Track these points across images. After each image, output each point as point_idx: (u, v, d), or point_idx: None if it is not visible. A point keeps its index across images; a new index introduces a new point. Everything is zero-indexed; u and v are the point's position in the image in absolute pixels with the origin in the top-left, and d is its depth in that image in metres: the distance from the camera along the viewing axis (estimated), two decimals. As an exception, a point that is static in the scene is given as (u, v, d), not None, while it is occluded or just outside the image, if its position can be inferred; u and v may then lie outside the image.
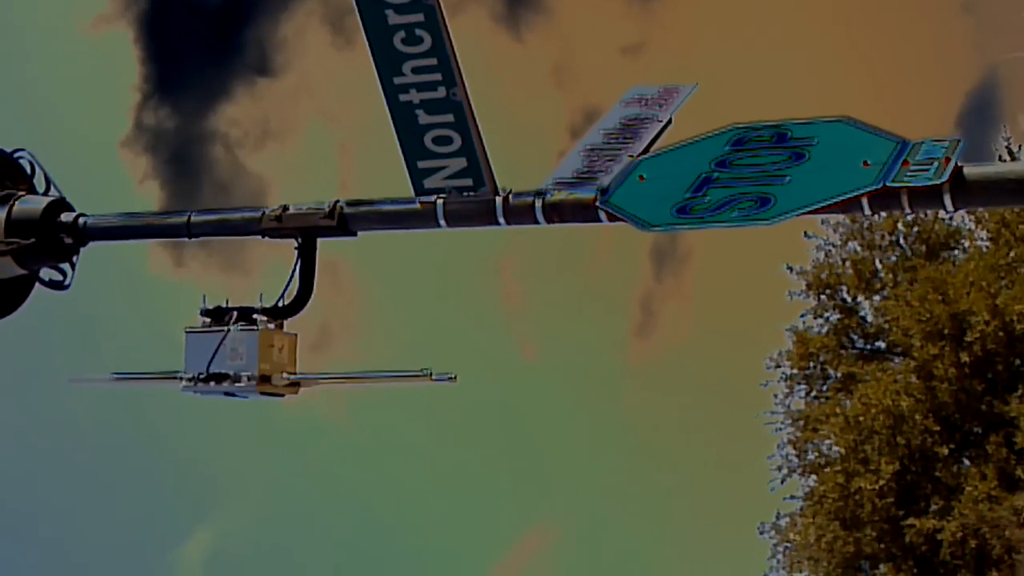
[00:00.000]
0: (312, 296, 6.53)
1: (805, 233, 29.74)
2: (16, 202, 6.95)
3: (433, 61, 5.85)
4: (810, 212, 5.62)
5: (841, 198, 5.55)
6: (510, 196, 6.13)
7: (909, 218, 28.87)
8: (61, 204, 7.02)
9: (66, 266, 7.06)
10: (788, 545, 29.46)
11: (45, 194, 7.10)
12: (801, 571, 29.33)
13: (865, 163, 5.60)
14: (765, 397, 30.21)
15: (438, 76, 5.87)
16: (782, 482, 29.68)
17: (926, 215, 28.52)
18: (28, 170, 7.14)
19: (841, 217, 27.62)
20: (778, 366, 30.32)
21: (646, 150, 6.50)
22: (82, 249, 7.01)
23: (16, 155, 7.13)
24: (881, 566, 28.48)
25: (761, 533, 29.81)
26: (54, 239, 6.92)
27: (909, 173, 5.49)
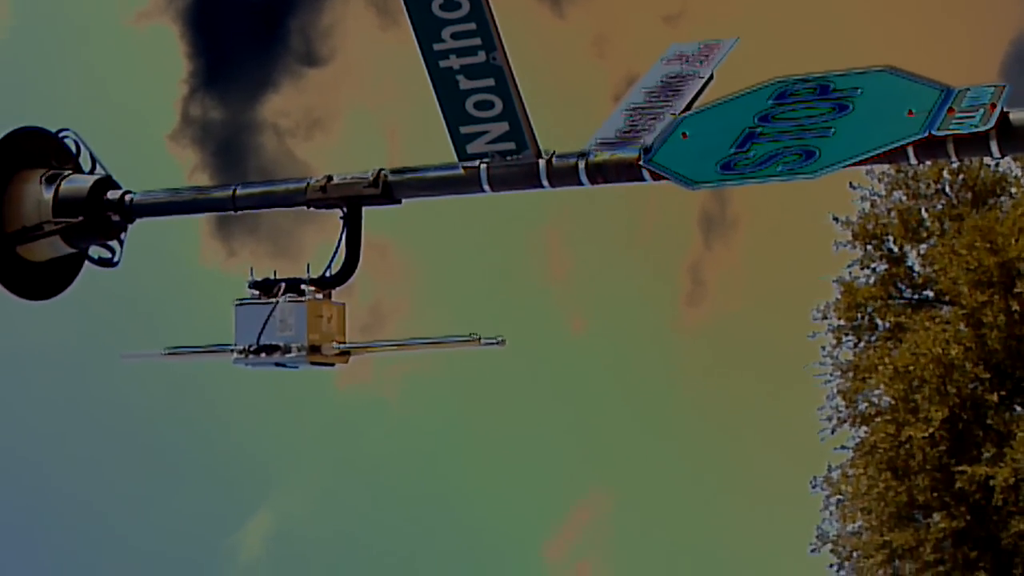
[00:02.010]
0: (359, 265, 6.52)
1: (850, 184, 29.51)
2: (63, 181, 6.98)
3: (472, 26, 5.82)
4: (855, 164, 5.58)
5: (886, 148, 5.51)
6: (553, 158, 6.11)
7: (955, 166, 28.62)
8: (107, 182, 7.04)
9: (114, 243, 7.09)
10: (840, 497, 29.38)
11: (91, 173, 7.13)
12: (854, 521, 29.26)
13: (910, 112, 5.55)
14: (813, 349, 30.07)
15: (477, 41, 5.84)
16: (832, 432, 29.54)
17: (972, 162, 28.27)
18: (74, 150, 7.17)
19: (886, 167, 27.38)
20: (825, 317, 30.12)
21: (688, 107, 6.46)
22: (129, 226, 7.03)
23: (61, 135, 7.16)
24: (934, 515, 28.34)
25: (813, 487, 29.73)
26: (101, 217, 6.95)
27: (955, 121, 5.44)
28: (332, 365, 6.51)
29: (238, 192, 6.77)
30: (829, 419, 29.67)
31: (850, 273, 30.21)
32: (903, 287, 30.40)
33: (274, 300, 6.44)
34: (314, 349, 6.40)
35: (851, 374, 29.51)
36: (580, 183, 6.10)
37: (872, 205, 29.98)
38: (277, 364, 6.45)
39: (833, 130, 5.71)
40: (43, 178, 6.97)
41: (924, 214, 30.14)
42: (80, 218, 6.90)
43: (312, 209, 6.59)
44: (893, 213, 29.89)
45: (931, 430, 27.18)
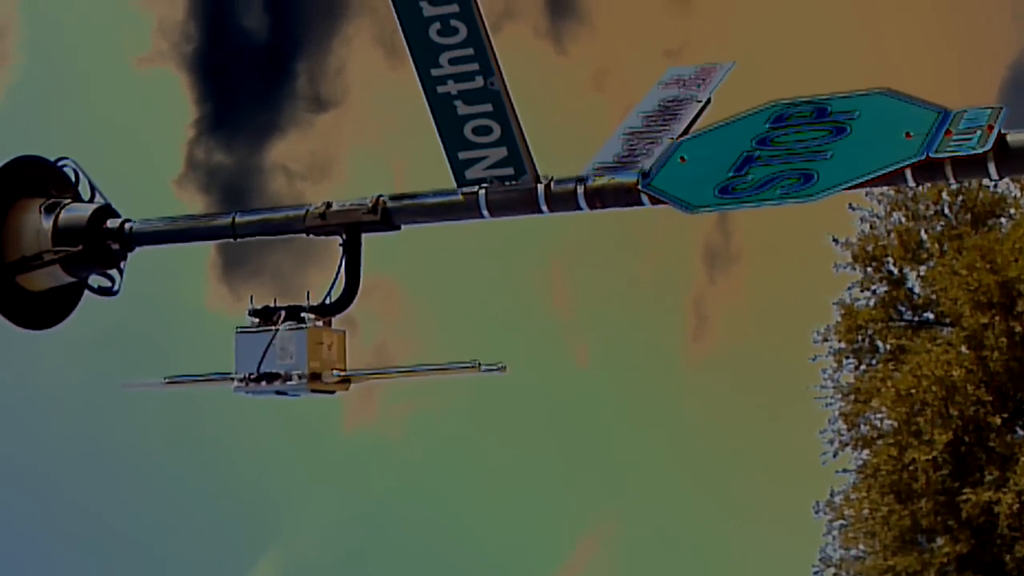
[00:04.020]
0: (359, 292, 6.55)
1: (850, 205, 29.56)
2: (62, 210, 7.00)
3: (470, 51, 5.85)
4: (854, 186, 5.60)
5: (885, 171, 5.53)
6: (552, 183, 6.13)
7: (954, 187, 28.67)
8: (107, 211, 7.07)
9: (114, 272, 7.11)
10: (843, 522, 29.34)
11: (90, 201, 7.16)
12: (858, 546, 29.22)
13: (907, 134, 5.58)
14: (815, 372, 30.07)
15: (475, 66, 5.87)
16: (834, 455, 29.54)
17: (971, 184, 28.30)
18: (72, 178, 7.20)
19: (885, 188, 27.45)
20: (825, 340, 30.16)
21: (686, 131, 6.49)
22: (129, 254, 7.05)
23: (60, 164, 7.19)
24: (938, 539, 28.31)
25: (816, 512, 29.70)
26: (101, 245, 6.97)
27: (952, 143, 5.46)
28: (333, 393, 6.53)
29: (237, 219, 6.80)
30: (831, 442, 29.68)
31: (850, 295, 30.29)
32: (903, 309, 30.44)
33: (274, 328, 6.46)
34: (315, 377, 6.41)
35: (852, 397, 29.53)
36: (579, 208, 6.12)
37: (871, 227, 30.08)
38: (278, 392, 6.46)
39: (831, 153, 5.74)
40: (42, 207, 7.00)
41: (924, 235, 30.21)
42: (80, 247, 6.92)
43: (311, 236, 6.62)
44: (893, 234, 29.96)
45: (934, 453, 27.17)
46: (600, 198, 6.10)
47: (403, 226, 6.55)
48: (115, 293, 7.16)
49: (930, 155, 5.44)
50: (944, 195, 29.69)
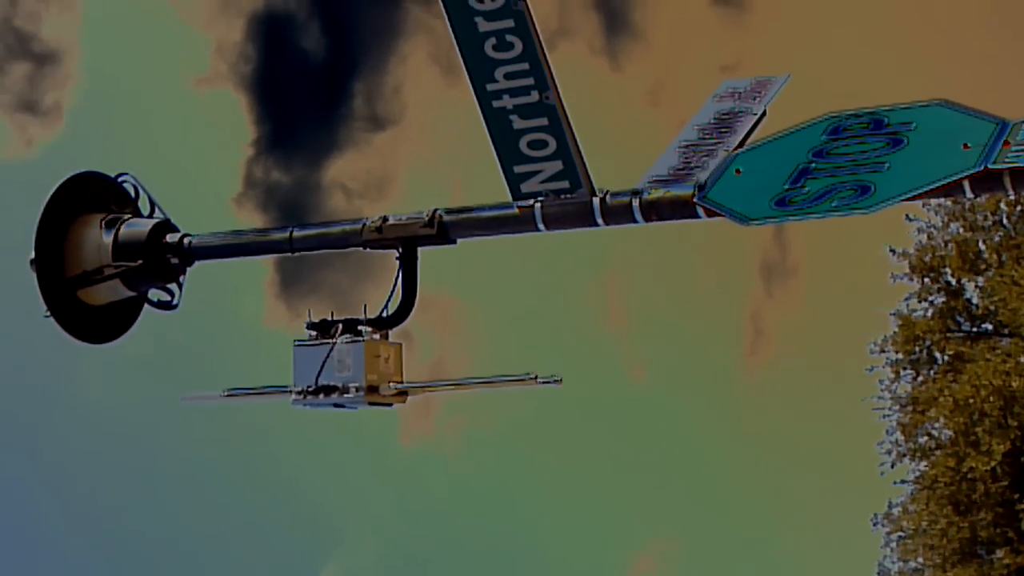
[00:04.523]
0: (415, 305, 6.58)
1: (907, 216, 29.37)
2: (122, 226, 7.08)
3: (525, 66, 5.87)
4: (911, 198, 5.58)
5: (942, 182, 5.51)
6: (607, 196, 6.14)
7: (1012, 198, 28.43)
8: (166, 226, 7.14)
9: (173, 286, 7.18)
10: (901, 534, 29.13)
11: (150, 217, 7.23)
12: (916, 558, 29.00)
13: (965, 146, 5.55)
14: (872, 384, 29.87)
15: (530, 80, 5.89)
16: (892, 466, 29.32)
17: (1029, 193, 28.04)
18: (132, 194, 7.27)
19: (943, 199, 27.26)
20: (883, 351, 29.95)
21: (742, 143, 6.48)
22: (188, 269, 7.11)
23: (120, 180, 7.26)
24: (997, 551, 28.06)
25: (874, 524, 29.50)
26: (160, 260, 7.04)
27: (1011, 154, 5.43)
28: (390, 405, 6.56)
29: (295, 234, 6.84)
30: (888, 452, 29.47)
31: (907, 306, 30.05)
32: (961, 319, 30.19)
33: (332, 341, 6.50)
34: (372, 389, 6.44)
35: (910, 407, 29.30)
36: (635, 220, 6.12)
37: (929, 237, 29.84)
38: (335, 405, 6.49)
39: (888, 165, 5.72)
40: (103, 222, 7.07)
41: (982, 246, 29.94)
42: (140, 261, 6.99)
43: (368, 250, 6.65)
44: (950, 245, 29.71)
45: (992, 463, 26.93)
46: (656, 211, 6.10)
47: (459, 240, 6.58)
48: (175, 307, 7.22)
49: (988, 166, 5.41)
50: (1002, 205, 29.44)
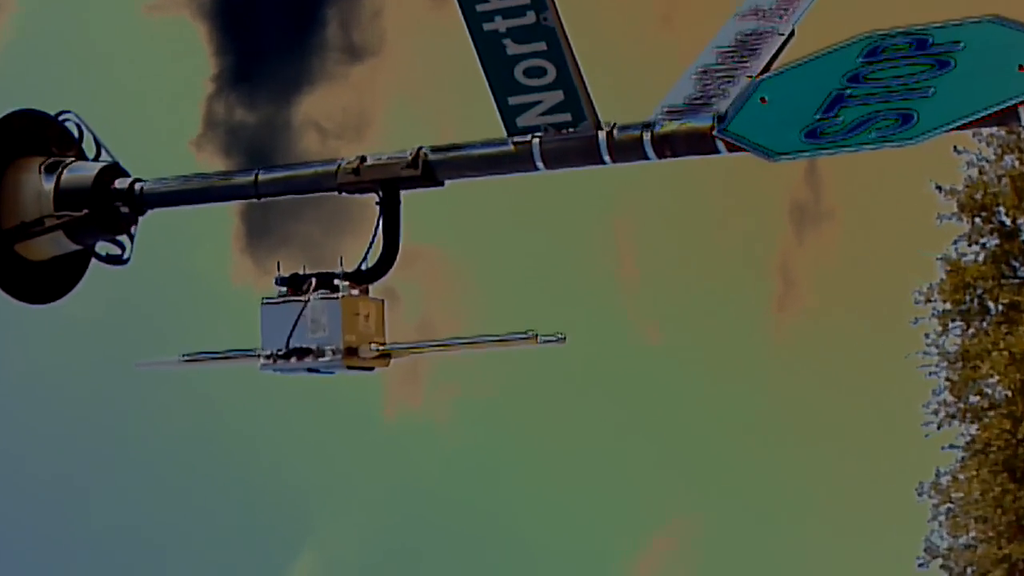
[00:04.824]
0: (398, 256, 6.55)
1: (955, 148, 29.35)
2: (64, 170, 7.04)
3: (519, -18, 5.84)
4: (959, 128, 5.57)
5: (994, 109, 5.50)
6: (614, 130, 6.11)
7: (1073, 124, 28.38)
8: (114, 169, 7.10)
9: (124, 238, 7.15)
10: (950, 505, 29.27)
11: (96, 160, 7.19)
12: (967, 532, 29.16)
13: (1021, 67, 5.53)
14: (916, 337, 29.94)
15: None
16: (938, 428, 29.41)
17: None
18: (76, 134, 7.23)
19: (995, 129, 27.21)
20: (929, 300, 30.00)
21: (767, 68, 6.46)
22: (140, 218, 7.08)
23: (62, 118, 7.22)
24: (1059, 523, 28.23)
25: (920, 495, 29.62)
26: (109, 209, 7.01)
27: (1073, 75, 5.42)
28: (371, 369, 6.54)
29: (260, 177, 6.82)
30: (936, 414, 29.56)
31: (956, 250, 30.07)
32: (1017, 264, 30.21)
33: (305, 298, 6.48)
34: (350, 352, 6.42)
35: (960, 363, 29.37)
36: (646, 157, 6.10)
37: (980, 172, 29.82)
38: (309, 369, 6.48)
39: (933, 90, 5.70)
40: (43, 167, 7.05)
41: (1039, 180, 29.93)
42: (85, 211, 6.96)
43: (343, 194, 6.63)
44: (1004, 180, 29.69)
45: (1053, 425, 27.05)
46: (670, 146, 6.08)
47: (447, 182, 6.55)
48: (125, 261, 7.20)
49: (1047, 90, 5.40)
50: (1063, 133, 29.42)
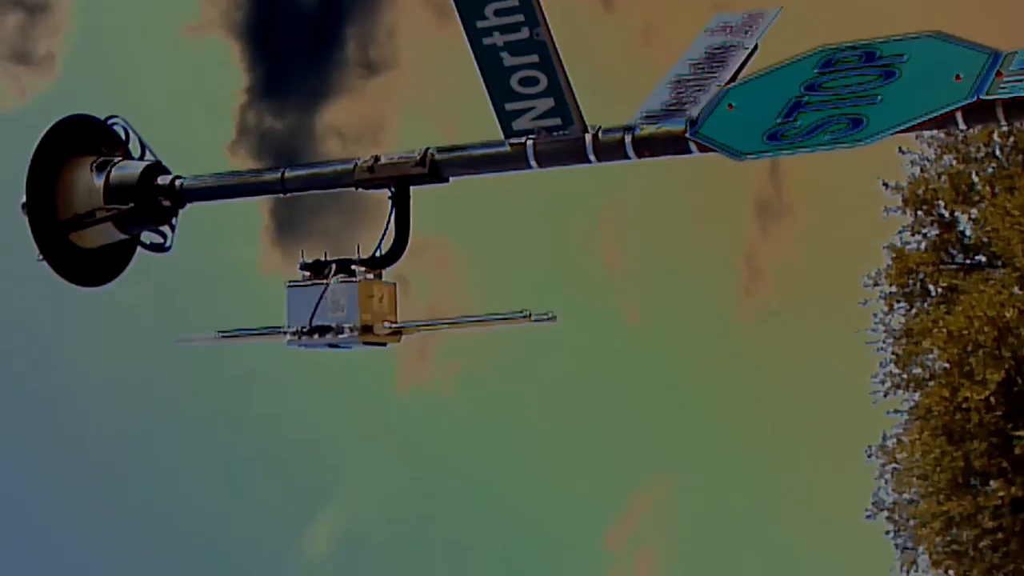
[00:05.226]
0: (408, 245, 6.57)
1: (900, 149, 29.29)
2: (113, 168, 7.05)
3: (514, 2, 5.83)
4: (904, 130, 5.56)
5: (935, 114, 5.49)
6: (599, 133, 6.12)
7: (1005, 129, 28.35)
8: (157, 168, 7.12)
9: (166, 228, 7.16)
10: (895, 466, 29.25)
11: (141, 159, 7.20)
12: (910, 489, 29.14)
13: (957, 77, 5.53)
14: (865, 317, 29.92)
15: (520, 17, 5.86)
16: (884, 395, 29.39)
17: (1022, 125, 27.95)
18: (123, 137, 7.24)
19: (936, 131, 27.17)
20: (876, 284, 29.96)
21: (734, 78, 6.45)
22: (180, 211, 7.10)
23: (110, 122, 7.23)
24: (992, 482, 28.19)
25: (868, 456, 29.61)
26: (152, 202, 7.02)
27: (1003, 85, 5.41)
28: (384, 345, 6.56)
29: (286, 174, 6.83)
30: (882, 383, 29.53)
31: (901, 239, 30.03)
32: (955, 251, 30.19)
33: (325, 281, 6.50)
34: (366, 329, 6.44)
35: (904, 339, 29.35)
36: (627, 157, 6.10)
37: (922, 170, 29.76)
38: (330, 345, 6.50)
39: (880, 97, 5.70)
40: (94, 165, 7.05)
41: (975, 178, 29.89)
42: (131, 204, 6.97)
43: (360, 189, 6.64)
44: (943, 177, 29.65)
45: (986, 393, 27.02)
46: (648, 147, 6.08)
47: (451, 178, 6.56)
48: (167, 250, 7.22)
49: (981, 97, 5.39)
50: (995, 137, 29.36)
